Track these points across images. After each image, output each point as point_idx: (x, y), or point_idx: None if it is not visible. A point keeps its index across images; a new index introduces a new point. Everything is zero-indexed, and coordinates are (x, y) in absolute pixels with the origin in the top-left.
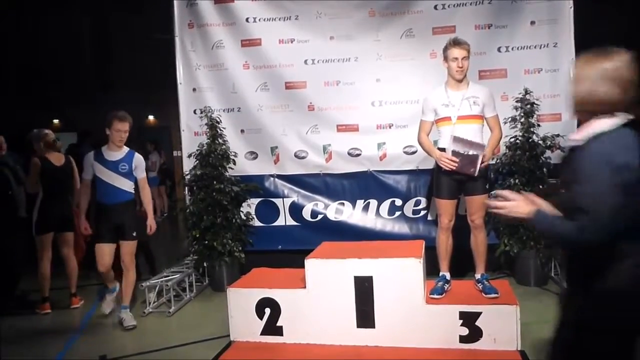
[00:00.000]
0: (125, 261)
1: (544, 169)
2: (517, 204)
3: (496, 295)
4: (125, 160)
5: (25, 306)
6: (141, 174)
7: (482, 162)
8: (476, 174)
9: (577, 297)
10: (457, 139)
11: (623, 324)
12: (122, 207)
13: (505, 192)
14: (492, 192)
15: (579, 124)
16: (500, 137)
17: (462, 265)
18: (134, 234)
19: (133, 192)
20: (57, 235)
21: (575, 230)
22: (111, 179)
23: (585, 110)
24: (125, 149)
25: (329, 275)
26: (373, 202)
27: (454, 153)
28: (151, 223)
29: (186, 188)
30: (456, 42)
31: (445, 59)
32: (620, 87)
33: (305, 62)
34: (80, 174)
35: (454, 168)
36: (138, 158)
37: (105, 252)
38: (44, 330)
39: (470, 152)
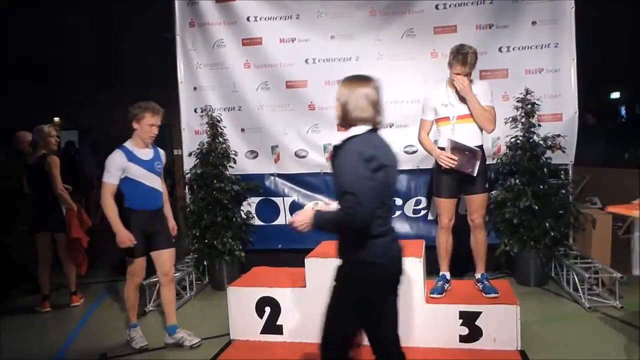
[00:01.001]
0: (169, 273)
1: (545, 169)
2: (301, 214)
3: (496, 295)
4: (158, 159)
5: (25, 305)
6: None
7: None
8: (474, 173)
9: (344, 267)
10: (454, 146)
11: (376, 287)
12: (161, 211)
13: (301, 210)
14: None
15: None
16: (490, 114)
17: (462, 264)
18: (173, 240)
19: None
20: (54, 235)
21: (346, 213)
22: (151, 181)
23: (347, 123)
24: (151, 145)
25: (328, 275)
26: None
27: (453, 151)
28: (173, 224)
29: (186, 187)
30: (464, 61)
31: (449, 65)
32: (373, 106)
33: (306, 61)
34: (67, 173)
35: (453, 166)
36: (162, 153)
37: (143, 267)
38: (44, 329)
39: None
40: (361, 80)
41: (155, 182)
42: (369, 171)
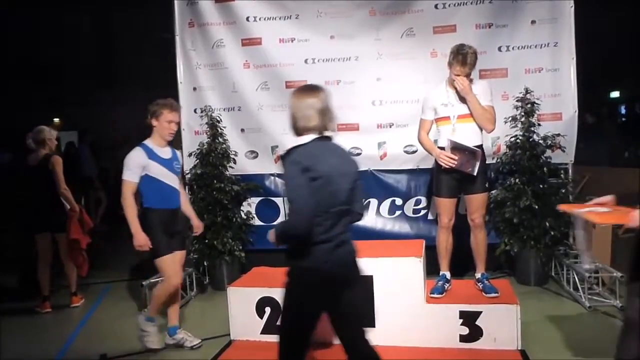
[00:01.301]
0: (181, 274)
1: (544, 169)
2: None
3: (496, 294)
4: (176, 158)
5: (25, 305)
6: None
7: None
8: (474, 173)
9: (289, 272)
10: (454, 146)
11: (317, 291)
12: (179, 212)
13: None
14: None
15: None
16: (490, 114)
17: (462, 264)
18: (186, 242)
19: None
20: (54, 236)
21: (288, 220)
22: (171, 179)
23: (296, 132)
24: (168, 145)
25: None
26: (373, 202)
27: (453, 151)
28: (198, 223)
29: (186, 187)
30: (464, 61)
31: (449, 65)
32: (320, 115)
33: (306, 61)
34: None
35: (453, 165)
36: (179, 154)
37: (177, 263)
38: (45, 329)
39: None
40: (308, 90)
41: (174, 182)
42: (306, 180)
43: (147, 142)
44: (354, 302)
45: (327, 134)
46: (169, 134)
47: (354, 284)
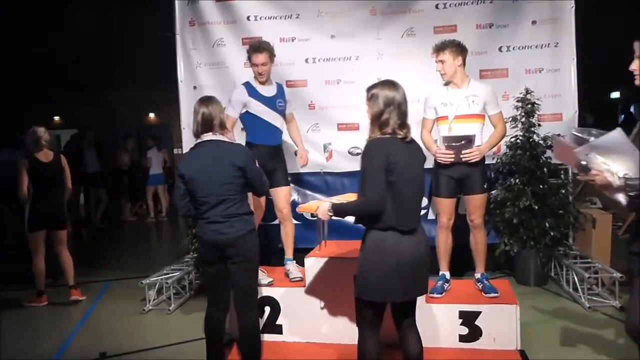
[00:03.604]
0: (284, 210)
1: (545, 169)
2: None
3: (496, 294)
4: (281, 96)
5: (24, 302)
6: (290, 108)
7: (475, 150)
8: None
9: None
10: (446, 139)
11: (200, 249)
12: (280, 149)
13: None
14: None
15: None
16: (503, 134)
17: (461, 264)
18: (289, 179)
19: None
20: (49, 233)
21: None
22: (271, 117)
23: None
24: (274, 83)
25: (329, 274)
26: None
27: (448, 146)
28: (302, 153)
29: None
30: (434, 47)
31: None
32: (204, 123)
33: (306, 60)
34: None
35: (452, 160)
36: (287, 91)
37: (281, 198)
38: (44, 327)
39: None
40: (201, 101)
41: (276, 119)
42: (179, 178)
43: (251, 79)
44: (235, 275)
45: (212, 138)
46: (259, 75)
47: (236, 258)
